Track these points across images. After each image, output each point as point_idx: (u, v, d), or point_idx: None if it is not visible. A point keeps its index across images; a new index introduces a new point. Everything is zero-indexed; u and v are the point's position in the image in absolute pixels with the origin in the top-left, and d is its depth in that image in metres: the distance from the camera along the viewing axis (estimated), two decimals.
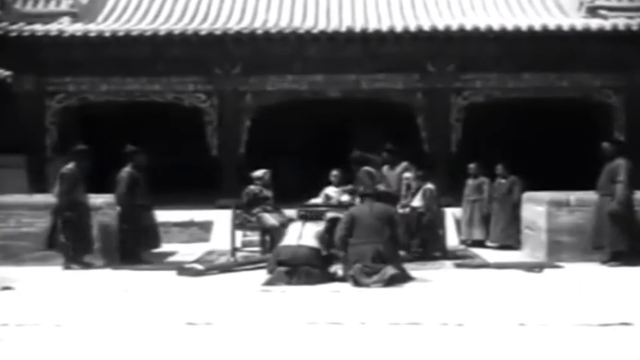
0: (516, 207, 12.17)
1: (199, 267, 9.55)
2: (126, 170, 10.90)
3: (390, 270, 8.23)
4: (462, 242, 13.18)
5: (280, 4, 18.49)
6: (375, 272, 8.27)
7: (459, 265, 10.11)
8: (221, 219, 13.46)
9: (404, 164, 11.60)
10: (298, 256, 8.55)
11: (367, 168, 10.78)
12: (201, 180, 16.85)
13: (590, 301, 7.11)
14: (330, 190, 11.57)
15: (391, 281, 8.16)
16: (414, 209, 11.06)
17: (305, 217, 9.22)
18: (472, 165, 13.39)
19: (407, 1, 18.48)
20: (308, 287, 8.16)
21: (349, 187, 11.39)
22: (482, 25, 16.54)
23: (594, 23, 16.69)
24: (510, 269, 9.58)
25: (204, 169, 17.29)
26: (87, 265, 10.09)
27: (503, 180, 12.92)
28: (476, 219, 13.08)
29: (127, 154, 11.07)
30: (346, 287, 8.16)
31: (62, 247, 10.08)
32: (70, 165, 10.38)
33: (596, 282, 8.41)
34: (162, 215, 12.35)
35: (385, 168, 11.56)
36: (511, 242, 12.36)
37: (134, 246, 10.65)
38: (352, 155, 11.14)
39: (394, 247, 8.73)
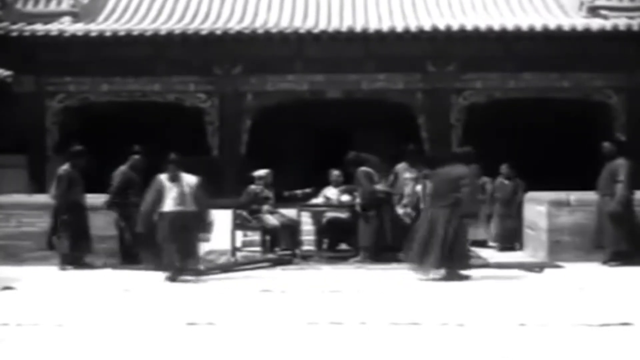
0: (519, 207, 12.16)
1: (200, 267, 9.54)
2: (121, 169, 10.86)
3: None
4: None
5: (281, 3, 18.48)
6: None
7: None
8: (221, 219, 13.42)
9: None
10: None
11: (364, 168, 10.70)
12: (201, 180, 16.81)
13: (591, 301, 7.11)
14: (330, 191, 11.54)
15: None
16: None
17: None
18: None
19: (408, 1, 18.47)
20: (308, 286, 8.17)
21: (349, 186, 11.33)
22: (483, 25, 16.54)
23: (595, 23, 16.69)
24: (511, 268, 9.57)
25: (204, 169, 17.26)
26: (86, 266, 10.07)
27: (507, 181, 12.86)
28: (479, 220, 13.04)
29: (125, 153, 11.04)
30: (346, 287, 8.14)
31: (58, 248, 10.08)
32: (66, 166, 10.32)
33: (597, 282, 8.41)
34: None
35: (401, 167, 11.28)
36: (512, 242, 12.34)
37: (132, 246, 10.63)
38: (348, 156, 11.09)
39: (454, 212, 8.71)
